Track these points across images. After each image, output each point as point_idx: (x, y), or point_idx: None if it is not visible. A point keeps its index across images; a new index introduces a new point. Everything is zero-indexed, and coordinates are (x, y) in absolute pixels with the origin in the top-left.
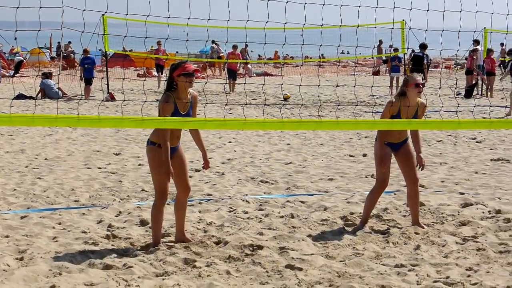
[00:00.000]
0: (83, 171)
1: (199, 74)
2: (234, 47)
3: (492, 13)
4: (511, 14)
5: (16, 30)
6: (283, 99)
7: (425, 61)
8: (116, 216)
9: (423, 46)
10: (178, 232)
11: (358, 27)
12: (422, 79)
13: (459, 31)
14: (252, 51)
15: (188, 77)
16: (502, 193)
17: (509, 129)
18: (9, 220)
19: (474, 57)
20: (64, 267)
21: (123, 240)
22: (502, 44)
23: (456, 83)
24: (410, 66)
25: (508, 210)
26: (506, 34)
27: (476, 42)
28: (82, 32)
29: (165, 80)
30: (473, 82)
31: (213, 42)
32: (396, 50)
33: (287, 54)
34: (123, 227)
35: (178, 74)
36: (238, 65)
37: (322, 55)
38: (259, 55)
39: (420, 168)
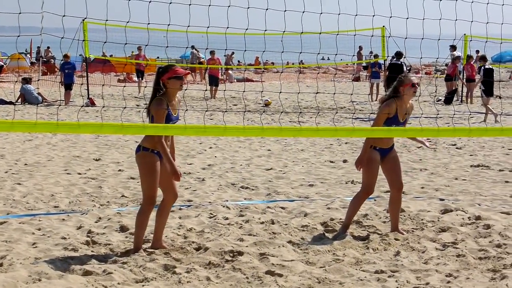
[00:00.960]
0: (63, 176)
1: None
2: (212, 53)
3: (472, 21)
4: (490, 22)
5: None
6: (264, 105)
7: (405, 69)
8: (96, 222)
9: (399, 54)
10: (158, 240)
11: (338, 34)
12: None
13: (439, 39)
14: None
15: (180, 80)
16: (482, 199)
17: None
18: None
19: (457, 64)
20: (43, 273)
21: (102, 246)
22: (477, 51)
23: (436, 90)
24: (387, 74)
25: (488, 216)
26: (486, 41)
27: (453, 47)
28: (62, 37)
29: (146, 86)
30: (453, 89)
31: (192, 47)
32: (376, 56)
33: (267, 60)
34: (103, 233)
35: (168, 77)
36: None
37: (301, 61)
38: (238, 61)
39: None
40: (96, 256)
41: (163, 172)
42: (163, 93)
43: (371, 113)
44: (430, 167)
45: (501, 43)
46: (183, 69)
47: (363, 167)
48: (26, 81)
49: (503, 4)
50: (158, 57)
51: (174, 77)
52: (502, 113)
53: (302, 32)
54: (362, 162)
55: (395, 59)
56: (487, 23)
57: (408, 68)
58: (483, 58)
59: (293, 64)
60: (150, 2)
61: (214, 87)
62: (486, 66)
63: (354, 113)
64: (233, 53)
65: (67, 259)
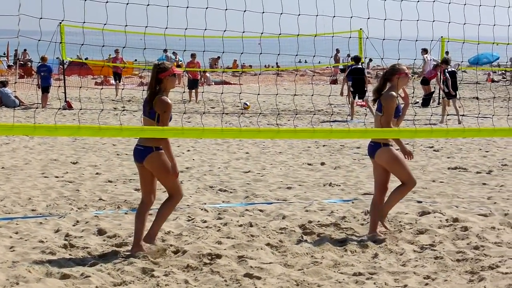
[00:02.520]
0: (40, 180)
1: None
2: (193, 55)
3: (449, 22)
4: (468, 23)
5: None
6: (242, 108)
7: (365, 72)
8: (74, 225)
9: (358, 59)
10: (138, 243)
11: (315, 36)
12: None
13: (416, 40)
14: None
15: (176, 78)
16: (459, 201)
17: (466, 138)
18: None
19: (439, 72)
20: (21, 276)
21: (80, 249)
22: (447, 53)
23: (413, 92)
24: (349, 79)
25: (466, 218)
26: (463, 42)
27: (425, 50)
28: (39, 40)
29: (123, 89)
30: (431, 91)
31: (165, 51)
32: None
33: (244, 63)
34: (81, 237)
35: (169, 74)
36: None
37: (277, 63)
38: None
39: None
40: (74, 260)
41: (149, 174)
42: (159, 89)
43: (348, 115)
44: None
45: (478, 44)
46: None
47: (393, 165)
48: (3, 84)
49: (480, 5)
50: (135, 60)
51: (172, 75)
52: (479, 114)
53: (280, 35)
54: (408, 152)
55: (355, 64)
56: (464, 24)
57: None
58: (445, 62)
59: (271, 66)
60: (127, 4)
61: (195, 90)
62: (449, 69)
63: (331, 115)
64: (218, 57)
65: (45, 263)
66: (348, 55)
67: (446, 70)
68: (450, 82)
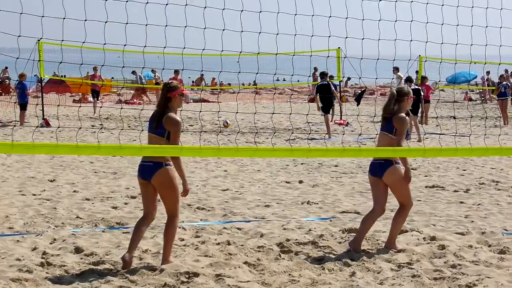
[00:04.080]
0: (18, 197)
1: (135, 100)
2: (176, 72)
3: (427, 42)
4: (445, 42)
5: None
6: (222, 126)
7: (333, 88)
8: (51, 244)
9: (325, 74)
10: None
11: (294, 54)
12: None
13: (394, 59)
14: (189, 77)
15: (184, 97)
16: (436, 219)
17: (443, 157)
18: None
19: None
20: None
21: (57, 267)
22: (417, 72)
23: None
24: (318, 95)
25: (443, 237)
26: (441, 62)
27: (396, 69)
28: (17, 58)
29: (101, 107)
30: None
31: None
32: (331, 77)
33: (222, 82)
34: (58, 255)
35: (177, 93)
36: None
37: (254, 81)
38: (193, 82)
39: None
40: (51, 278)
41: (154, 191)
42: (168, 108)
43: (326, 134)
44: None
45: (455, 63)
46: (142, 89)
47: (401, 185)
48: None
49: (457, 25)
50: (112, 78)
51: (180, 94)
52: (456, 133)
53: (258, 53)
54: (410, 177)
55: (322, 80)
56: (442, 43)
57: (363, 89)
58: (408, 80)
59: (249, 84)
60: (106, 22)
61: None
62: (412, 87)
63: (309, 134)
64: (202, 75)
65: (22, 281)
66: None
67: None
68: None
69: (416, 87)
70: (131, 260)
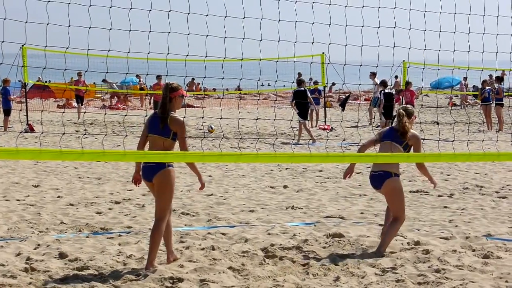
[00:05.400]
0: (1, 203)
1: (119, 106)
2: (159, 77)
3: (410, 48)
4: (428, 48)
5: None
6: (207, 131)
7: (309, 95)
8: (35, 249)
9: (301, 82)
10: (169, 253)
11: (278, 60)
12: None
13: (377, 65)
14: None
15: (183, 98)
16: (420, 224)
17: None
18: None
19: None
20: None
21: (41, 273)
22: (396, 77)
23: (374, 117)
24: (294, 101)
25: (427, 242)
26: (424, 68)
27: (373, 74)
28: (1, 63)
29: (85, 112)
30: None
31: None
32: (316, 83)
33: (206, 87)
34: (42, 260)
35: (179, 94)
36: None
37: (238, 87)
38: (187, 85)
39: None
40: (35, 283)
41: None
42: (169, 109)
43: (310, 139)
44: (369, 193)
45: (438, 69)
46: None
47: (396, 196)
48: None
49: (440, 31)
50: (94, 83)
51: (180, 96)
52: (440, 139)
53: (242, 59)
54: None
55: (298, 87)
56: (425, 49)
57: (347, 95)
58: (382, 83)
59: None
60: (90, 28)
61: None
62: (386, 91)
63: (293, 139)
64: (193, 79)
65: (6, 286)
66: (310, 79)
67: (382, 92)
68: (383, 104)
69: (390, 91)
70: (174, 256)
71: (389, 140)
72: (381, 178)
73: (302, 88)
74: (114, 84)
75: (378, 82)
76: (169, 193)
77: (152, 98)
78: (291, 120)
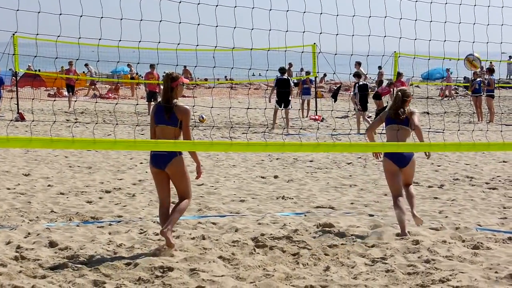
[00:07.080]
0: None
1: (110, 95)
2: (152, 67)
3: (400, 38)
4: (419, 38)
5: None
6: (198, 121)
7: (292, 85)
8: (25, 238)
9: (284, 70)
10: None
11: (269, 50)
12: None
13: (368, 55)
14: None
15: (183, 86)
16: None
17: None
18: None
19: (392, 88)
20: None
21: (31, 261)
22: (380, 67)
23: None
24: (275, 90)
25: (417, 232)
26: (414, 58)
27: (358, 64)
28: None
29: (76, 101)
30: (383, 106)
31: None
32: (308, 73)
33: (198, 78)
34: (32, 249)
35: (179, 83)
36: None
37: (226, 76)
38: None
39: None
40: (25, 272)
41: (167, 178)
42: (173, 97)
43: (301, 129)
44: (359, 183)
45: (429, 59)
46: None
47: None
48: None
49: (431, 21)
50: (83, 72)
51: (181, 84)
52: (430, 129)
53: (233, 48)
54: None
55: (280, 74)
56: (415, 39)
57: (338, 86)
58: (357, 75)
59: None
60: (81, 16)
61: (154, 102)
62: (360, 83)
63: (284, 129)
64: (185, 66)
65: None
66: (302, 69)
67: (356, 84)
68: (359, 96)
69: (364, 82)
70: (170, 236)
71: (394, 124)
72: (409, 156)
73: (286, 77)
74: (91, 67)
75: (364, 73)
76: (187, 178)
77: (147, 88)
78: (282, 109)
